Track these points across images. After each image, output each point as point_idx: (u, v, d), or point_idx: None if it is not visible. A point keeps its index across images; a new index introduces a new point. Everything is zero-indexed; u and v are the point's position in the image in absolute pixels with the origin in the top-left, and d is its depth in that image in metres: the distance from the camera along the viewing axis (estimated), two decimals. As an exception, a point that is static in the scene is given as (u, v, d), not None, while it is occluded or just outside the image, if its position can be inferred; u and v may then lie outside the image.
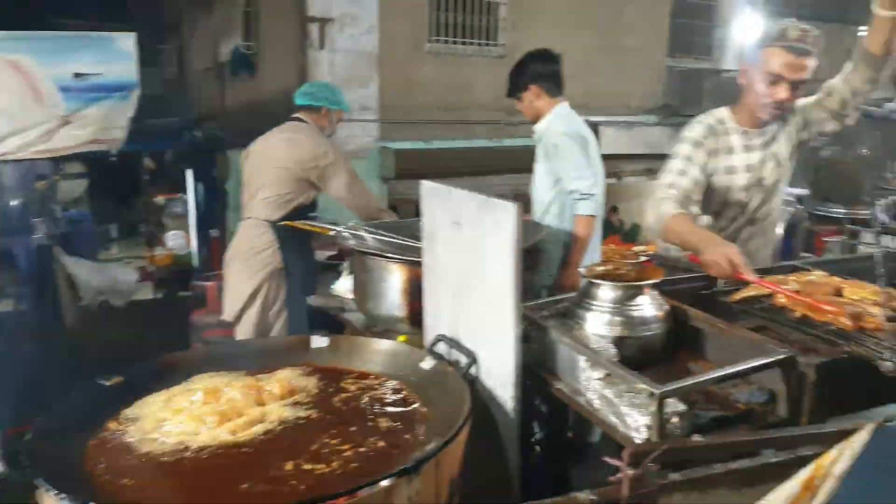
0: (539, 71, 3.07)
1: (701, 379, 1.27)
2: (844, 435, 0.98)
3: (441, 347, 1.79)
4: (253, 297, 3.31)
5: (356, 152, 5.75)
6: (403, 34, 5.96)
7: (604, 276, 1.71)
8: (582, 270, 1.74)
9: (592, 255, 3.19)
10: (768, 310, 1.68)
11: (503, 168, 5.90)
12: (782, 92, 2.12)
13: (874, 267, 1.42)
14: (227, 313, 3.36)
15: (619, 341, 1.57)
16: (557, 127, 3.00)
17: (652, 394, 1.23)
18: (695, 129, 2.28)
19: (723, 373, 1.29)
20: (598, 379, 1.43)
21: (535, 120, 3.12)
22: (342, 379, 1.72)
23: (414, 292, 2.01)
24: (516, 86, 3.13)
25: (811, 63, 2.09)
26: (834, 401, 1.41)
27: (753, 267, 2.13)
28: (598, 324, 1.60)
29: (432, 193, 1.78)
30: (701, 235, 1.99)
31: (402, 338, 2.13)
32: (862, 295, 1.66)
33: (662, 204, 2.13)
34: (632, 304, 1.60)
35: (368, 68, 5.70)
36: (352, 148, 5.72)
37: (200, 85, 8.02)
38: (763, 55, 2.13)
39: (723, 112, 2.30)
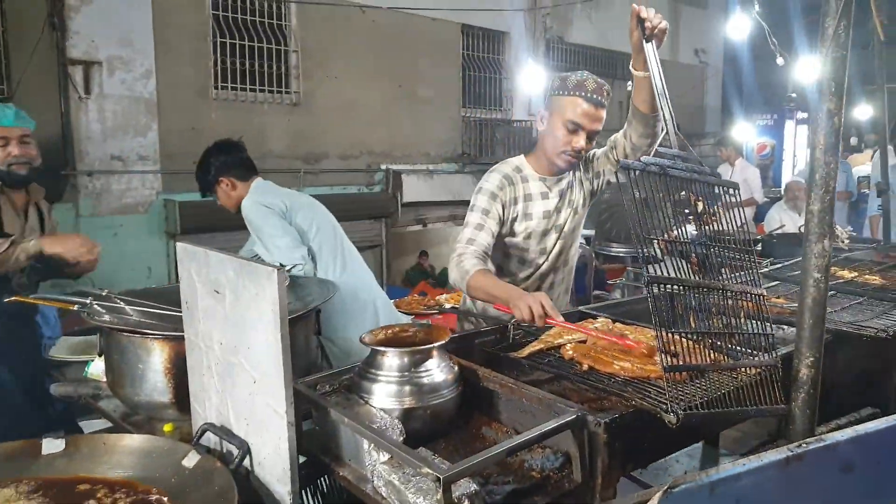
0: (225, 162, 2.80)
1: (488, 455, 1.14)
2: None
3: (210, 438, 1.54)
4: None
5: (135, 207, 5.20)
6: (186, 80, 5.55)
7: (388, 342, 1.56)
8: (365, 337, 1.57)
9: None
10: (556, 364, 1.62)
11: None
12: (580, 140, 2.13)
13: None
14: None
15: (408, 413, 1.42)
16: (246, 202, 2.74)
17: (438, 479, 1.08)
18: (491, 179, 2.24)
19: (511, 444, 1.18)
20: (384, 463, 1.26)
21: (237, 207, 2.81)
22: (81, 492, 1.41)
23: (180, 372, 1.73)
24: (206, 184, 2.84)
25: (604, 115, 2.13)
26: (627, 456, 1.36)
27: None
28: (385, 396, 1.44)
29: (188, 257, 1.54)
30: (506, 289, 1.95)
31: (167, 427, 1.82)
32: (644, 340, 1.66)
33: (463, 260, 2.07)
34: (420, 369, 1.46)
35: (146, 116, 5.22)
36: (130, 202, 5.17)
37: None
38: (562, 104, 2.12)
39: (520, 160, 2.30)
